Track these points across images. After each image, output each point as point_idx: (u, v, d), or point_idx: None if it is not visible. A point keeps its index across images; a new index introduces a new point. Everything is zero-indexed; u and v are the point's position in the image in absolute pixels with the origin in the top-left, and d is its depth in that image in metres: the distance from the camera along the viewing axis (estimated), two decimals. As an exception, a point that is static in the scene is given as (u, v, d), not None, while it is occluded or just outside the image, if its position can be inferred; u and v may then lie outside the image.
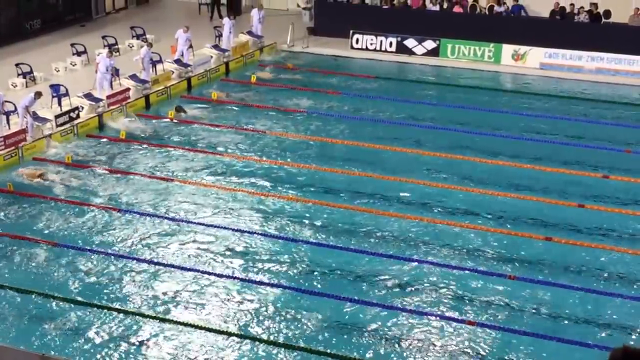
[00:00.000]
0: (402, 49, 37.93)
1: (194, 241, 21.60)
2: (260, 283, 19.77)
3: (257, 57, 37.30)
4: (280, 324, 18.23)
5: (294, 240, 21.66)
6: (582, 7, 37.43)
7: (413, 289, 19.62)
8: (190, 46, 34.49)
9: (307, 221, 22.67)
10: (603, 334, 17.92)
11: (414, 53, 37.76)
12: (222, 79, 34.66)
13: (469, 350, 17.45)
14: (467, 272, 20.29)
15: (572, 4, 37.62)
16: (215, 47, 36.05)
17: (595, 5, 37.70)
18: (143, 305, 18.89)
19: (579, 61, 35.92)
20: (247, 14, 39.52)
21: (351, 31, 38.37)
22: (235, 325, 18.20)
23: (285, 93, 32.85)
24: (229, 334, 17.84)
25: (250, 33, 37.92)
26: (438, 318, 18.49)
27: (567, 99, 32.99)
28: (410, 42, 37.84)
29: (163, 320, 18.29)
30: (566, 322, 18.44)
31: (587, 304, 19.04)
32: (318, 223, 22.57)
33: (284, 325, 18.20)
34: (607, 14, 37.50)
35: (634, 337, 17.90)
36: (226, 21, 36.58)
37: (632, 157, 27.28)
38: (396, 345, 17.58)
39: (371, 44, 38.35)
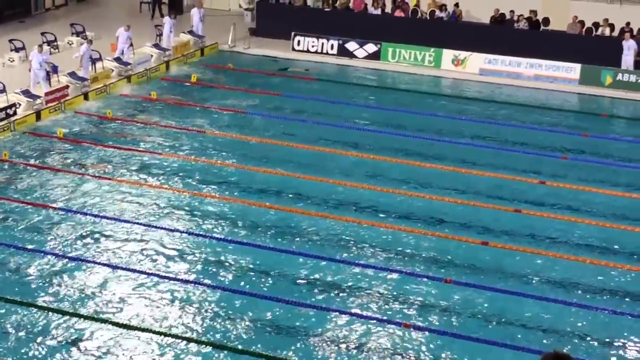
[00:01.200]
0: (343, 51, 38.00)
1: (130, 241, 21.44)
2: (195, 283, 19.67)
3: (197, 56, 37.17)
4: (215, 325, 18.15)
5: (230, 241, 21.57)
6: (521, 15, 37.78)
7: (349, 291, 19.65)
8: (131, 45, 34.25)
9: (243, 222, 22.61)
10: (536, 338, 18.08)
11: (355, 56, 37.85)
12: (162, 77, 34.47)
13: (404, 352, 17.50)
14: (403, 275, 20.36)
15: (512, 11, 37.98)
16: (156, 46, 35.85)
17: (535, 12, 38.10)
18: (77, 304, 18.69)
19: (517, 67, 36.26)
20: (188, 14, 39.33)
21: (293, 33, 38.37)
22: (170, 325, 18.08)
23: (226, 93, 32.74)
24: (164, 335, 17.72)
25: (191, 32, 37.77)
26: (374, 320, 18.52)
27: (505, 104, 33.26)
28: (351, 45, 37.94)
29: (96, 320, 18.12)
30: (500, 325, 18.58)
31: (522, 308, 19.21)
32: (256, 224, 22.52)
33: (219, 325, 18.13)
34: (546, 21, 37.89)
35: (565, 340, 18.08)
36: (167, 20, 36.40)
37: (569, 163, 27.57)
38: (332, 348, 17.58)
39: (312, 46, 38.37)
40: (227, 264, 20.59)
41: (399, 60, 37.41)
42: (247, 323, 18.25)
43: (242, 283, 19.75)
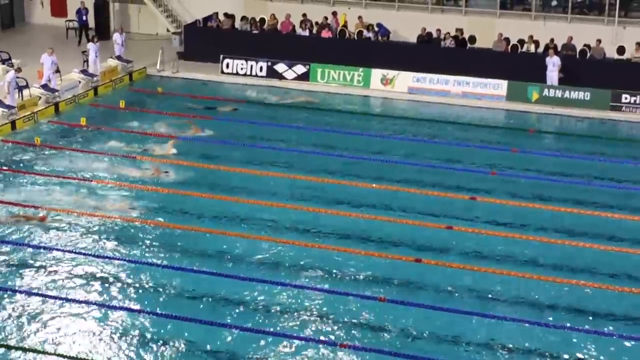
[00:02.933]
0: (272, 73, 38.07)
1: (51, 267, 21.21)
2: (121, 308, 19.46)
3: (126, 82, 36.96)
4: (141, 350, 17.98)
5: (160, 266, 21.41)
6: (448, 33, 38.18)
7: (281, 311, 19.60)
8: (57, 70, 33.96)
9: (175, 247, 22.45)
10: (468, 354, 18.21)
11: (284, 77, 37.92)
12: (90, 103, 34.21)
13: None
14: (336, 294, 20.36)
15: (438, 30, 38.36)
16: (84, 72, 35.58)
17: (461, 31, 38.54)
18: (10, 335, 18.43)
19: (445, 85, 36.63)
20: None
21: (221, 56, 38.34)
22: (94, 351, 17.88)
23: (155, 117, 32.56)
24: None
25: (119, 58, 37.56)
26: (309, 341, 18.49)
27: (434, 122, 33.55)
28: (280, 67, 38.01)
29: (17, 348, 17.89)
30: (434, 342, 18.67)
31: (456, 325, 19.33)
32: (189, 249, 22.38)
33: (145, 350, 17.96)
34: (472, 39, 38.35)
35: (500, 355, 18.24)
36: (90, 46, 36.19)
37: (497, 178, 27.86)
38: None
39: (241, 68, 38.39)
40: (156, 288, 20.42)
41: (328, 80, 37.58)
42: (179, 347, 18.11)
43: (174, 307, 19.57)
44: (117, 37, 37.97)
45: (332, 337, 18.66)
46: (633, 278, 21.64)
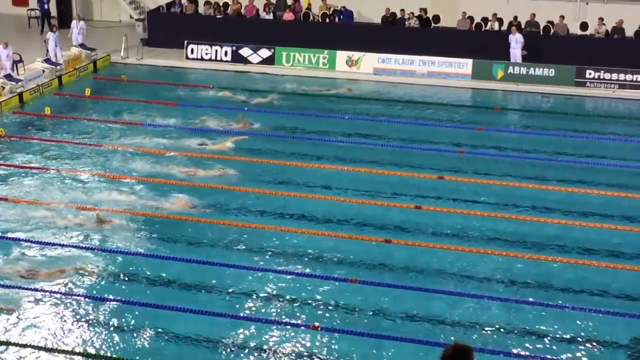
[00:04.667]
0: (237, 58, 37.99)
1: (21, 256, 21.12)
2: (92, 297, 19.39)
3: (90, 70, 36.76)
4: (114, 338, 17.95)
5: (126, 253, 21.31)
6: (412, 13, 38.23)
7: (252, 296, 19.61)
8: (20, 61, 33.73)
9: (144, 232, 22.36)
10: (443, 331, 18.31)
11: (249, 62, 37.86)
12: (55, 92, 34.02)
13: (315, 354, 17.55)
14: (309, 277, 20.40)
15: (402, 10, 38.41)
16: (47, 60, 35.37)
17: (425, 10, 38.61)
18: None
19: (411, 65, 36.70)
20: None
21: (185, 41, 38.21)
22: (66, 341, 17.85)
23: (121, 105, 32.43)
24: (55, 351, 17.51)
25: (82, 46, 37.34)
26: (282, 324, 18.52)
27: (400, 102, 33.62)
28: (245, 51, 37.94)
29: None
30: (406, 321, 18.75)
31: (427, 304, 19.42)
32: (152, 234, 22.27)
33: (119, 339, 17.93)
34: (436, 18, 38.44)
35: (470, 332, 18.34)
36: (50, 35, 35.99)
37: (465, 157, 27.98)
38: (242, 354, 17.54)
39: (206, 53, 38.28)
40: (131, 276, 20.38)
41: (294, 63, 37.55)
42: (151, 334, 18.10)
43: (148, 293, 19.54)
44: (74, 25, 37.70)
45: (304, 319, 18.69)
46: (602, 252, 21.80)
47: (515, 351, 17.69)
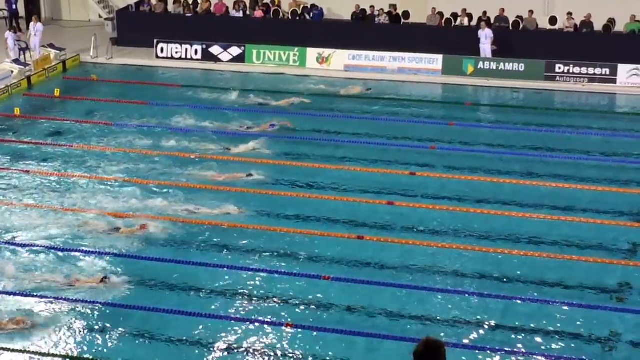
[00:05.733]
0: (207, 56, 37.89)
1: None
2: (52, 298, 19.22)
3: (60, 70, 36.56)
4: (87, 338, 17.86)
5: (101, 253, 21.21)
6: (382, 9, 38.27)
7: (226, 294, 19.55)
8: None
9: (111, 232, 22.21)
10: (416, 327, 18.33)
11: (220, 60, 37.78)
12: (24, 93, 33.82)
13: (289, 352, 17.53)
14: (280, 275, 20.37)
15: (372, 6, 38.42)
16: (16, 61, 35.15)
17: (394, 6, 38.65)
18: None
19: (381, 61, 36.74)
20: (48, 27, 38.67)
21: (155, 40, 38.07)
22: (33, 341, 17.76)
23: (91, 105, 32.29)
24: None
25: (51, 46, 37.14)
26: (255, 323, 18.48)
27: (372, 99, 33.62)
28: (215, 49, 37.86)
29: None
30: (379, 318, 18.77)
31: (400, 300, 19.44)
32: (124, 235, 22.14)
33: (90, 339, 17.85)
34: (406, 14, 38.49)
35: (443, 328, 18.38)
36: (8, 35, 35.81)
37: (437, 152, 28.03)
38: (217, 354, 17.51)
39: (176, 52, 38.16)
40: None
41: (264, 61, 37.50)
42: (118, 334, 18.03)
43: (116, 294, 19.43)
44: (31, 27, 37.43)
45: (278, 318, 18.67)
46: (575, 246, 21.89)
47: (488, 345, 17.72)
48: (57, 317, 18.48)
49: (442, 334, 17.71)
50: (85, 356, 17.35)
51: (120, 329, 18.24)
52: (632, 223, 23.24)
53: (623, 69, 35.05)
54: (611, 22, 37.15)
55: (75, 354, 17.43)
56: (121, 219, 22.87)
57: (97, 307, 18.89)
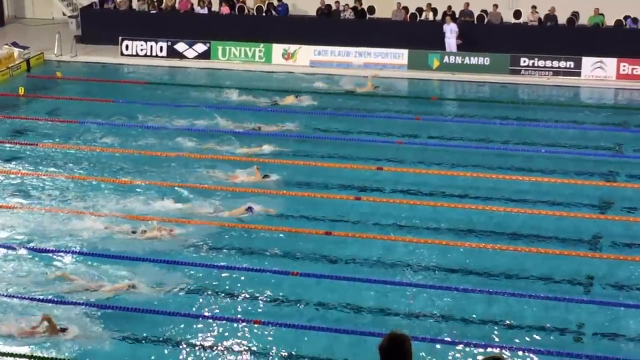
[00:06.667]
0: (173, 53, 37.78)
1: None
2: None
3: (23, 68, 36.29)
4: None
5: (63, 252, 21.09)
6: (347, 4, 38.29)
7: (194, 291, 19.50)
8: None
9: (78, 233, 22.06)
10: (382, 321, 18.37)
11: (185, 57, 37.67)
12: (-12, 92, 33.64)
13: (258, 349, 17.52)
14: (249, 271, 20.34)
15: (337, 2, 38.45)
16: (-21, 60, 34.93)
17: (360, 2, 38.68)
18: None
19: (347, 57, 36.77)
20: (12, 25, 38.40)
21: (120, 38, 37.90)
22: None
23: (56, 103, 32.10)
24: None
25: (15, 44, 36.88)
26: (224, 320, 18.45)
27: (338, 94, 33.63)
28: (180, 46, 37.75)
29: None
30: (347, 313, 18.78)
31: (368, 295, 19.47)
32: (94, 234, 22.02)
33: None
34: (371, 9, 38.54)
35: (411, 322, 18.44)
36: None
37: (403, 147, 28.08)
38: (184, 352, 17.47)
39: (141, 49, 38.01)
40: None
41: (230, 57, 37.44)
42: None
43: (79, 294, 19.29)
44: None
45: (246, 314, 18.65)
46: (537, 238, 22.01)
47: (457, 340, 17.78)
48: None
49: (408, 328, 17.73)
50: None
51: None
52: (597, 215, 23.40)
53: (587, 62, 35.28)
54: (575, 15, 37.36)
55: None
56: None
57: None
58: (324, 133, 29.17)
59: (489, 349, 17.43)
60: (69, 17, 41.68)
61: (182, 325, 18.21)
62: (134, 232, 21.77)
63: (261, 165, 25.60)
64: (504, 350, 17.28)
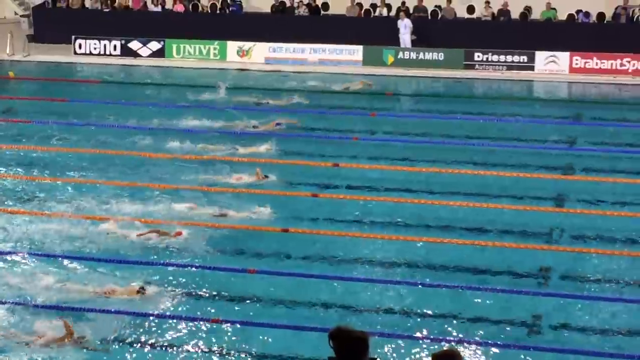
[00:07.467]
0: (126, 51, 37.54)
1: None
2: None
3: (-25, 68, 36.02)
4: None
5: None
6: (301, 1, 38.29)
7: (154, 292, 19.36)
8: None
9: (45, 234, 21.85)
10: (340, 317, 18.32)
11: (139, 55, 37.45)
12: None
13: (216, 348, 17.43)
14: (206, 269, 20.22)
15: (291, -1, 38.44)
16: None
17: (314, -2, 38.71)
18: None
19: (302, 54, 36.77)
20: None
21: (73, 36, 37.60)
22: None
23: (8, 103, 31.78)
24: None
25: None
26: (182, 319, 18.31)
27: (293, 91, 33.58)
28: (134, 45, 37.54)
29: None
30: (304, 309, 18.74)
31: (323, 290, 19.42)
32: (37, 235, 21.71)
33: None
34: (326, 6, 38.55)
35: (372, 317, 18.44)
36: None
37: (359, 143, 28.12)
38: (145, 351, 17.34)
39: (95, 48, 37.78)
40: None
41: (184, 55, 37.31)
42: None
43: (51, 295, 19.13)
44: None
45: (203, 313, 18.54)
46: (491, 232, 22.10)
47: (414, 334, 17.77)
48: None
49: (364, 324, 17.70)
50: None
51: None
52: (553, 208, 23.56)
53: (540, 56, 35.55)
54: (528, 10, 37.63)
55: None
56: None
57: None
58: (275, 129, 29.05)
59: (444, 344, 17.47)
60: (21, 16, 41.34)
61: (134, 323, 18.08)
62: None
63: (218, 164, 25.48)
64: (460, 344, 17.33)
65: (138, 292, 18.87)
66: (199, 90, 33.02)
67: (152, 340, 17.57)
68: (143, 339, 17.66)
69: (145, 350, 17.34)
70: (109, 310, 18.31)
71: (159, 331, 17.88)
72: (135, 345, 17.48)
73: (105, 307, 18.39)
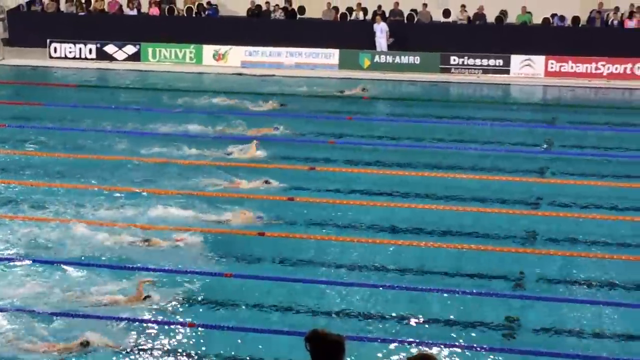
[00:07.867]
0: (102, 55, 37.44)
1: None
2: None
3: (-50, 72, 35.80)
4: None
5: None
6: (277, 5, 38.29)
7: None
8: None
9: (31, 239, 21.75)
10: (312, 321, 18.31)
11: (115, 59, 37.35)
12: None
13: (191, 352, 17.40)
14: (182, 274, 20.16)
15: (267, 2, 38.45)
16: None
17: (290, 2, 38.69)
18: None
19: (278, 57, 36.77)
20: None
21: (48, 40, 37.46)
22: None
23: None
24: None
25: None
26: (160, 324, 18.27)
27: (269, 95, 33.53)
28: (110, 48, 37.43)
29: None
30: (280, 313, 18.71)
31: (301, 294, 19.42)
32: (22, 239, 21.67)
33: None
34: (302, 10, 38.57)
35: (342, 320, 18.45)
36: None
37: (335, 146, 28.14)
38: (120, 355, 17.30)
39: (70, 52, 37.63)
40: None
41: (160, 59, 37.23)
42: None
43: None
44: None
45: (180, 317, 18.50)
46: (466, 235, 22.15)
47: (383, 337, 17.76)
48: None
49: (342, 327, 17.71)
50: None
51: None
52: (529, 211, 23.64)
53: (516, 60, 35.70)
54: (503, 13, 37.78)
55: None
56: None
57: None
58: (250, 134, 28.99)
59: (422, 347, 17.49)
60: (-4, 19, 41.14)
61: (115, 328, 18.03)
62: None
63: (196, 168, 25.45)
64: (436, 347, 17.36)
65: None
66: (176, 94, 32.97)
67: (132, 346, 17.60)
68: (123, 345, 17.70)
69: (121, 356, 17.32)
70: (78, 314, 18.35)
71: (141, 337, 17.91)
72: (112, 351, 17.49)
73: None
